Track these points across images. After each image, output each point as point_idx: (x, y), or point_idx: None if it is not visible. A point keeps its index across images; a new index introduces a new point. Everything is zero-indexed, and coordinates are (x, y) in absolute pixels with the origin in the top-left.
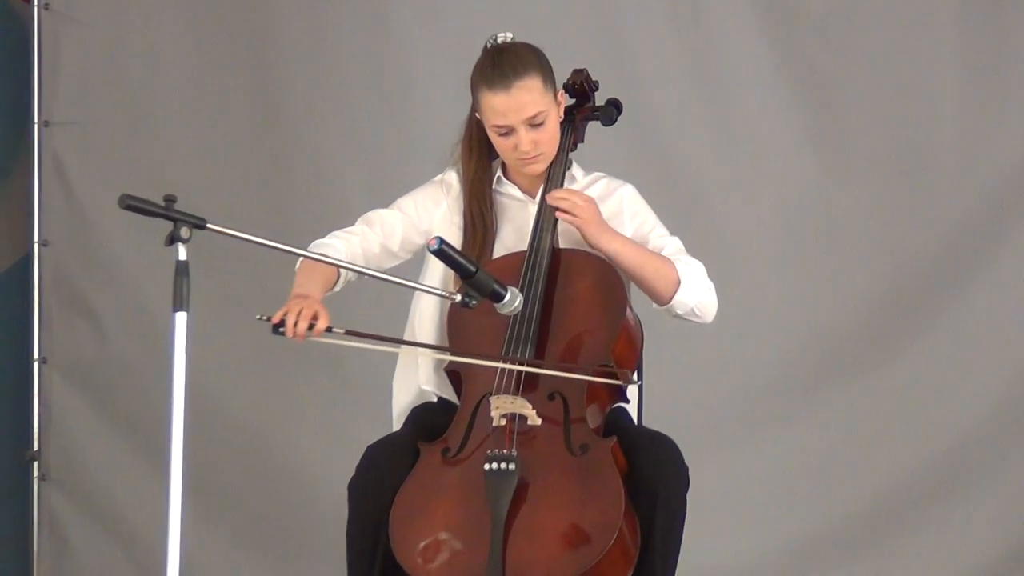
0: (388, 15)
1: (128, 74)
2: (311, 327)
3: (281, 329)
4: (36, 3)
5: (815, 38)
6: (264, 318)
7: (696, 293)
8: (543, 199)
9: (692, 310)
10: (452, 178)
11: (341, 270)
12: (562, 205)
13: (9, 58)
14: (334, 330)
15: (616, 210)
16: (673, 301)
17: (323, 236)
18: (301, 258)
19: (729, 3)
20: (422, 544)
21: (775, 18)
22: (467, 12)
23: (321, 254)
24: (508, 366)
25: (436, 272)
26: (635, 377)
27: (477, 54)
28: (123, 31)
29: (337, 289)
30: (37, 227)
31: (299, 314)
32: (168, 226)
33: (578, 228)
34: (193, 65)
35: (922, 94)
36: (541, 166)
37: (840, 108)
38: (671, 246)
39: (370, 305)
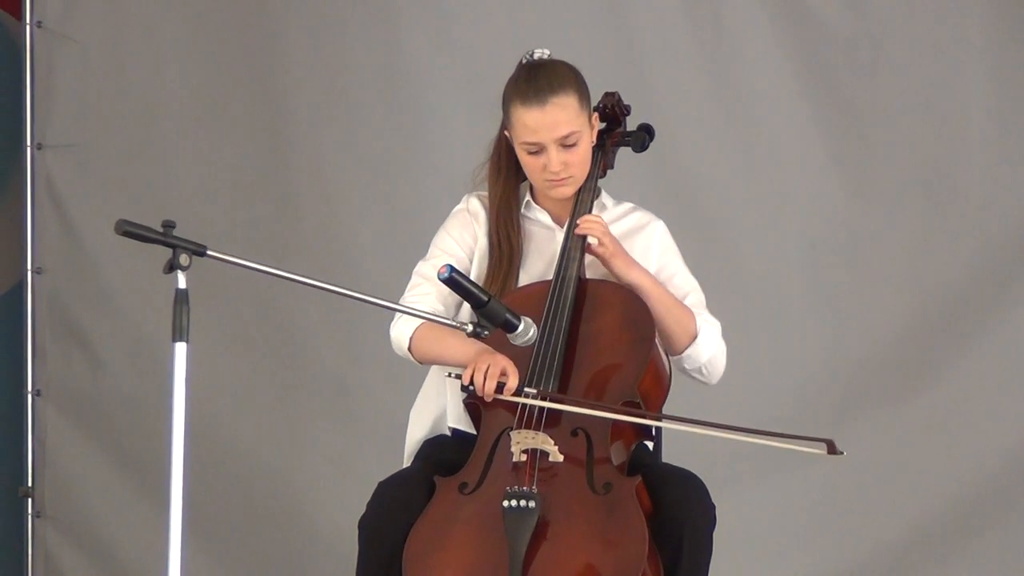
0: (397, 32)
1: (125, 95)
2: (500, 387)
3: (470, 388)
4: (29, 21)
5: (841, 60)
6: (454, 375)
7: (710, 350)
8: (571, 227)
9: (702, 368)
10: (476, 206)
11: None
12: (592, 231)
13: (1, 79)
14: (527, 390)
15: (647, 245)
16: (686, 353)
17: (331, 256)
18: (408, 334)
19: (752, 25)
20: None
21: (799, 39)
22: (477, 28)
23: (432, 316)
24: (584, 410)
25: (465, 305)
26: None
27: (490, 80)
28: (120, 50)
29: None
30: (30, 254)
31: (485, 372)
32: (167, 253)
33: (604, 259)
34: (193, 85)
35: (950, 117)
36: (569, 190)
37: (866, 131)
38: (693, 297)
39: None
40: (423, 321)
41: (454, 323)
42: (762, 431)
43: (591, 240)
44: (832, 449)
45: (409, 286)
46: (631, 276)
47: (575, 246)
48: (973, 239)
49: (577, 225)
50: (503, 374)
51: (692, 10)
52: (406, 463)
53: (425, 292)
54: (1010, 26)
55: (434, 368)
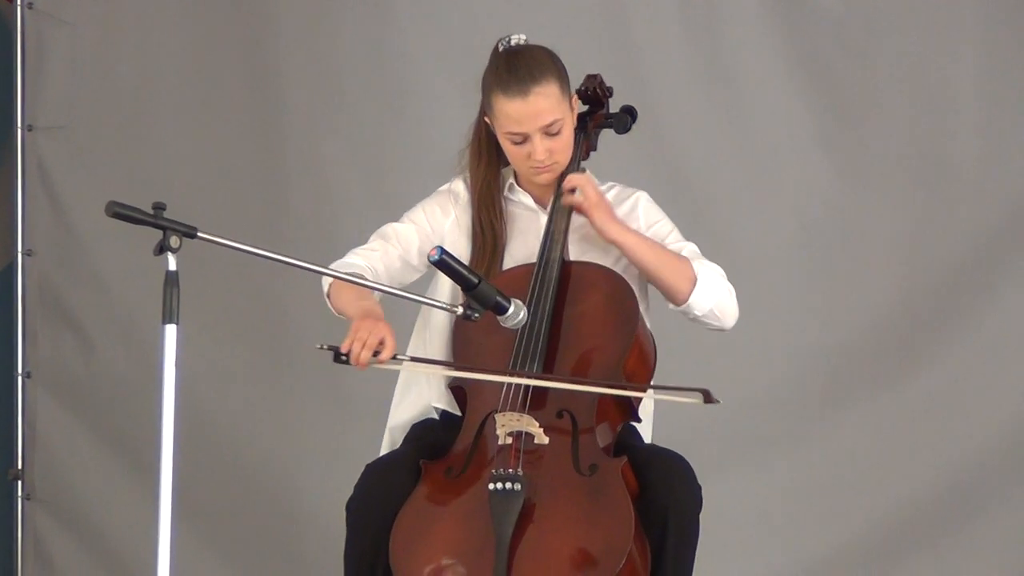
0: (389, 16)
1: (116, 76)
2: (376, 354)
3: (344, 358)
4: (19, 2)
5: (832, 40)
6: (326, 347)
7: (714, 294)
8: (554, 210)
9: (712, 311)
10: (459, 187)
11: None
12: (577, 182)
13: None
14: (398, 356)
15: (630, 215)
16: (690, 300)
17: (322, 239)
18: (330, 280)
19: (743, 5)
20: (424, 567)
21: (790, 20)
22: (470, 16)
23: (353, 274)
24: (546, 383)
25: (445, 285)
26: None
27: (480, 60)
28: (112, 32)
29: None
30: (21, 236)
31: (364, 342)
32: (157, 235)
33: (586, 210)
34: (186, 67)
35: (942, 100)
36: (554, 175)
37: (857, 113)
38: (688, 249)
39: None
40: (360, 275)
41: (445, 305)
42: (639, 385)
43: (576, 196)
44: (708, 398)
45: (368, 241)
46: (613, 231)
47: (559, 228)
48: (964, 222)
49: (565, 183)
50: (380, 343)
51: None
52: (384, 447)
53: (373, 249)
54: (1003, 8)
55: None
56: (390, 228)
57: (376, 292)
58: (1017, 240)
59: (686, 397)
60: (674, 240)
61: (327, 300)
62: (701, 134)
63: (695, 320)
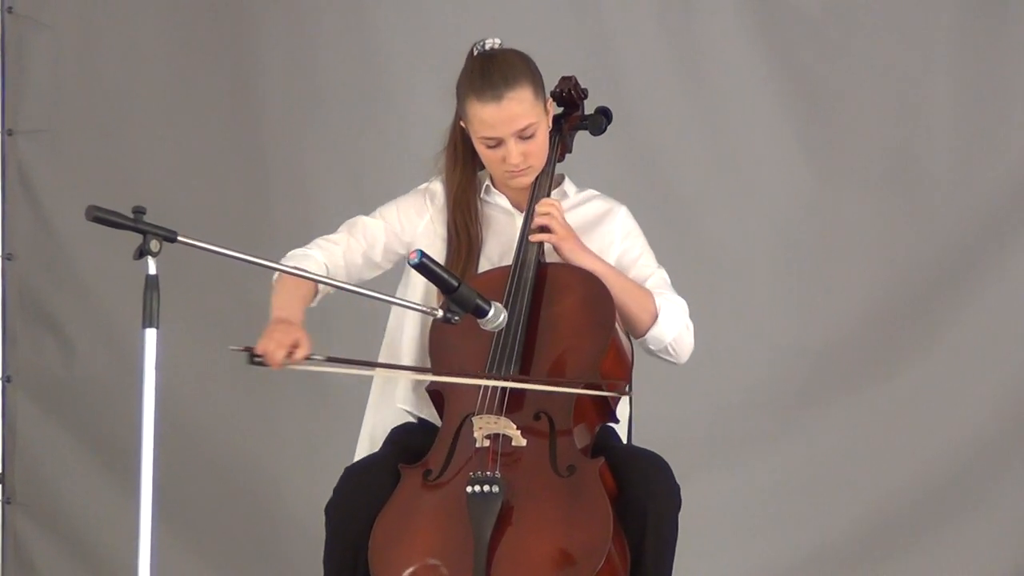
0: (367, 19)
1: (97, 81)
2: (290, 355)
3: (258, 359)
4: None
5: (809, 44)
6: (240, 349)
7: (673, 330)
8: (529, 212)
9: (667, 347)
10: (437, 188)
11: (317, 287)
12: (543, 221)
13: None
14: (314, 357)
15: (610, 231)
16: (648, 334)
17: (303, 244)
18: (278, 273)
19: (721, 8)
20: (403, 570)
21: (768, 22)
22: (449, 17)
23: (300, 268)
24: (492, 382)
25: (418, 287)
26: (627, 389)
27: (459, 60)
28: (92, 36)
29: (314, 304)
30: (1, 240)
31: (278, 342)
32: (138, 239)
33: (554, 243)
34: (167, 71)
35: (918, 104)
36: (529, 179)
37: (834, 117)
38: (656, 277)
39: (347, 318)
40: (306, 268)
41: (425, 308)
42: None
43: (539, 224)
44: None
45: (337, 231)
46: (581, 262)
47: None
48: (939, 225)
49: (534, 217)
50: (294, 344)
51: None
52: (359, 451)
53: (336, 242)
54: (978, 11)
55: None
56: (360, 221)
57: (340, 290)
58: (991, 242)
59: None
60: (644, 264)
61: (272, 286)
62: (678, 135)
63: (649, 352)
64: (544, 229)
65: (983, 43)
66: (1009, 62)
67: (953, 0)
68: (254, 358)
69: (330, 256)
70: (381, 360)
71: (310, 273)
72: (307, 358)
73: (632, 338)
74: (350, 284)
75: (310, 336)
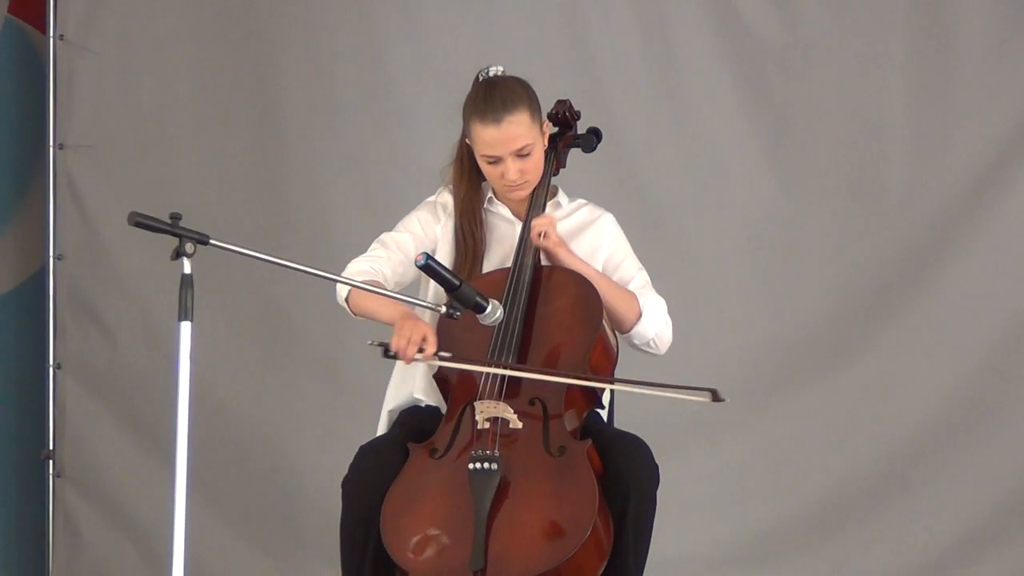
0: (382, 43)
1: (137, 100)
2: (421, 350)
3: (391, 354)
4: (52, 34)
5: (774, 70)
6: (377, 344)
7: (655, 326)
8: (527, 221)
9: (649, 342)
10: (446, 199)
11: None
12: (540, 227)
13: (26, 85)
14: (441, 354)
15: (597, 235)
16: (633, 331)
17: (321, 244)
18: (349, 288)
19: (696, 39)
20: (411, 538)
21: (737, 51)
22: (454, 43)
23: (369, 281)
24: (507, 372)
25: (432, 287)
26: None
27: (464, 82)
28: (133, 60)
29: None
30: (52, 242)
31: (409, 339)
32: (174, 242)
33: (547, 250)
34: (199, 92)
35: (873, 121)
36: (525, 192)
37: (797, 133)
38: (639, 279)
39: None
40: (364, 279)
41: (430, 305)
42: (658, 383)
43: (536, 235)
44: (716, 397)
45: (369, 249)
46: (574, 265)
47: (531, 237)
48: (893, 230)
49: (532, 228)
50: (423, 340)
51: (642, 25)
52: (379, 431)
53: (379, 255)
54: (926, 38)
55: None
56: (388, 237)
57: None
58: (939, 246)
59: (697, 396)
60: (629, 267)
61: (344, 304)
62: (658, 152)
63: (634, 346)
64: (543, 234)
65: (931, 67)
66: (954, 85)
67: (903, 28)
68: (387, 353)
69: (380, 268)
70: None
71: (384, 290)
72: (435, 354)
73: (618, 334)
74: (395, 292)
75: (434, 330)
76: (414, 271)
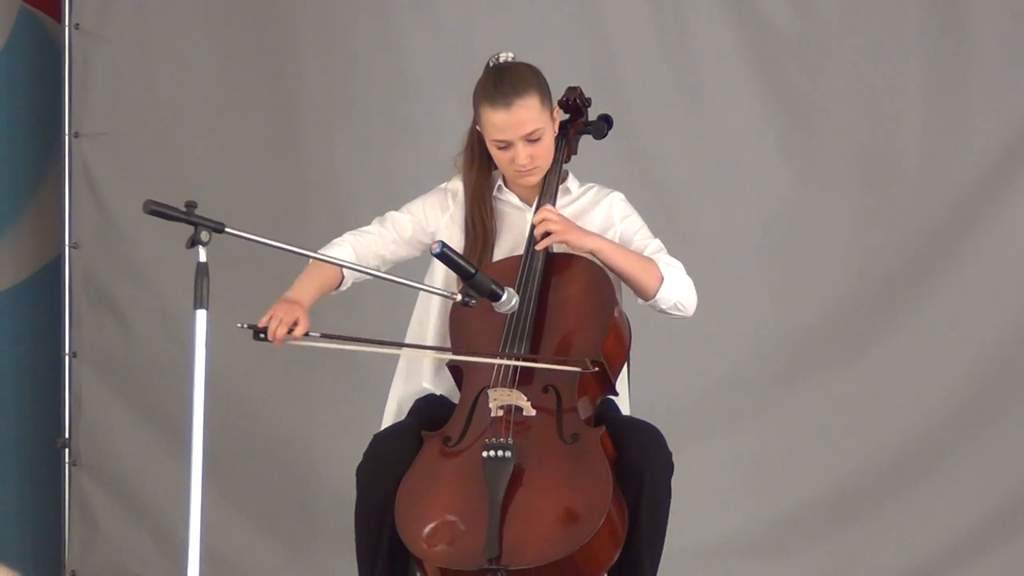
0: (395, 34)
1: (153, 89)
2: (290, 332)
3: (262, 335)
4: (67, 23)
5: (790, 59)
6: (245, 326)
7: (678, 289)
8: (538, 207)
9: (676, 304)
10: (457, 186)
11: (346, 271)
12: (542, 228)
13: (43, 74)
14: (311, 334)
15: (607, 213)
16: (658, 296)
17: (337, 234)
18: (311, 260)
19: (712, 27)
20: (425, 526)
21: (753, 41)
22: (471, 32)
23: (332, 256)
24: (501, 361)
25: (439, 274)
26: (590, 364)
27: (477, 73)
28: (148, 50)
29: (344, 288)
30: (68, 231)
31: (280, 320)
32: (189, 230)
33: (560, 238)
34: (214, 81)
35: (888, 111)
36: (536, 177)
37: (812, 123)
38: (652, 246)
39: (375, 304)
40: (338, 256)
41: (445, 293)
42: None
43: (541, 232)
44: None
45: (371, 224)
46: (588, 244)
47: None
48: (908, 220)
49: (536, 228)
50: (295, 323)
51: (659, 14)
52: (385, 421)
53: (369, 232)
54: (941, 29)
55: (409, 338)
56: (390, 215)
57: (376, 277)
58: (953, 236)
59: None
60: (643, 237)
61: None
62: (673, 142)
63: (661, 312)
64: (547, 233)
65: (946, 58)
66: (970, 75)
67: (918, 18)
68: (258, 334)
69: (360, 244)
70: (409, 339)
71: (340, 260)
72: (305, 335)
73: (644, 302)
74: (380, 271)
75: (308, 317)
76: (407, 251)
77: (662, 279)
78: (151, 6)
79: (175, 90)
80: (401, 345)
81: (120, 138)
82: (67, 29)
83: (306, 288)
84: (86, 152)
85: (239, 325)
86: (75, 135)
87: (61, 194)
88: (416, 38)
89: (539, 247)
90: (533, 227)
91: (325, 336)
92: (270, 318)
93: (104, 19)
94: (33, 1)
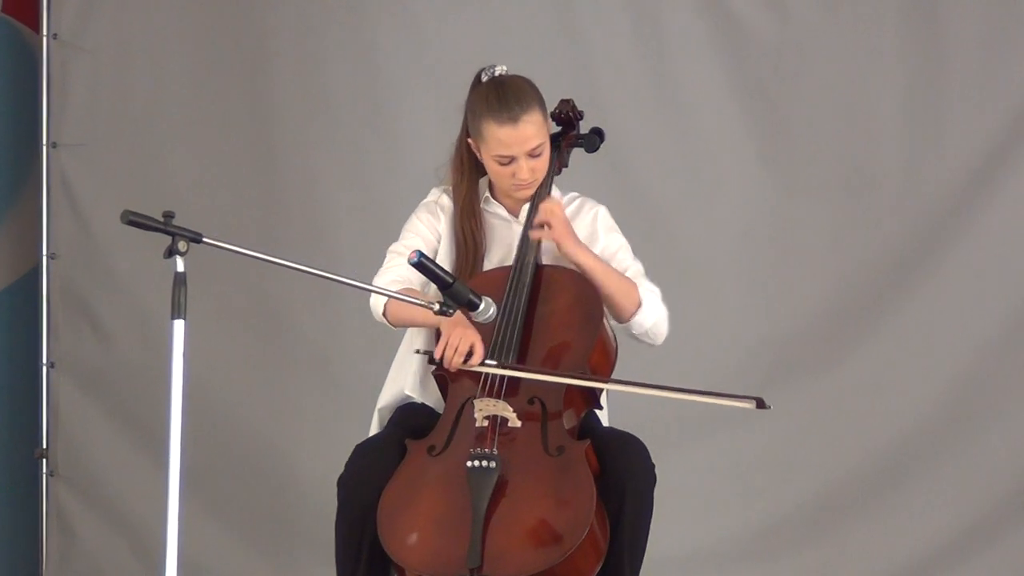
0: (376, 47)
1: (131, 99)
2: (465, 361)
3: (437, 362)
4: (45, 33)
5: (768, 68)
6: (423, 352)
7: (653, 315)
8: (528, 219)
9: (648, 331)
10: (445, 200)
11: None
12: (546, 218)
13: (20, 84)
14: (487, 363)
15: (590, 227)
16: (633, 320)
17: (313, 241)
18: (384, 301)
19: (691, 36)
20: (408, 534)
21: (732, 49)
22: (447, 41)
23: (407, 290)
24: (553, 379)
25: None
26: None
27: (457, 80)
28: (126, 60)
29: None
30: (46, 241)
31: (456, 349)
32: (167, 240)
33: (555, 239)
34: (192, 91)
35: (866, 119)
36: (532, 191)
37: (791, 132)
38: (633, 269)
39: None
40: (399, 289)
41: (422, 302)
42: (702, 391)
43: (542, 220)
44: (761, 404)
45: (386, 263)
46: (578, 256)
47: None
48: (887, 228)
49: (537, 214)
50: (471, 349)
51: (637, 24)
52: (372, 429)
53: (398, 264)
54: (919, 38)
55: (402, 346)
56: (400, 246)
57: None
58: (932, 243)
59: (741, 403)
60: (623, 256)
61: (383, 319)
62: (653, 151)
63: (632, 336)
64: (546, 225)
65: (924, 64)
66: (948, 82)
67: (896, 26)
68: (432, 360)
69: (403, 274)
70: (402, 347)
71: (420, 300)
72: (481, 363)
73: (617, 323)
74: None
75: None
76: (419, 277)
77: (640, 304)
78: (129, 17)
79: (153, 100)
80: (597, 382)
81: (98, 148)
82: (45, 39)
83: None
84: (64, 162)
85: (417, 351)
86: (53, 145)
87: (39, 204)
88: (393, 48)
89: (532, 236)
90: (524, 236)
91: (502, 366)
92: (446, 347)
93: (82, 29)
94: (11, 11)
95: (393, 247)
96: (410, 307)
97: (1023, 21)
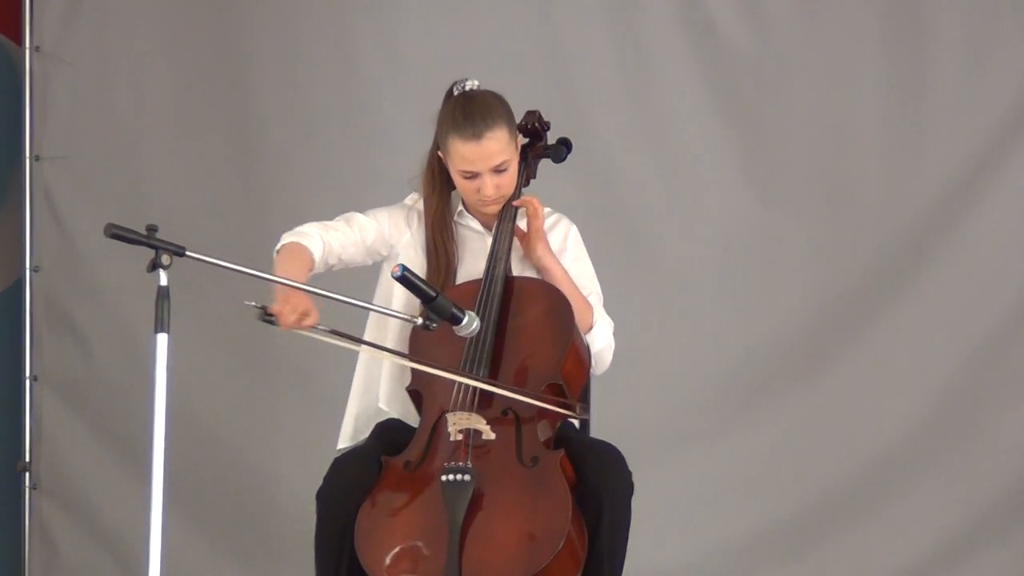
0: (356, 59)
1: (114, 111)
2: (299, 321)
3: (269, 317)
4: (28, 46)
5: (748, 80)
6: (256, 305)
7: (601, 342)
8: (498, 233)
9: (593, 356)
10: (419, 206)
11: (315, 259)
12: (528, 201)
13: (2, 97)
14: (319, 327)
15: (562, 243)
16: None
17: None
18: (284, 242)
19: (671, 48)
20: (386, 550)
21: (712, 62)
22: (429, 52)
23: (297, 243)
24: (473, 383)
25: (400, 298)
26: (584, 411)
27: (433, 93)
28: (109, 72)
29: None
30: (29, 254)
31: (293, 307)
32: (150, 253)
33: (529, 237)
34: (175, 104)
35: (847, 133)
36: (499, 206)
37: (772, 145)
38: (592, 297)
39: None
40: (312, 247)
41: (406, 317)
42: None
43: (521, 221)
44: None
45: (334, 219)
46: (547, 259)
47: (503, 248)
48: (867, 242)
49: (513, 210)
50: (306, 312)
51: (617, 38)
52: (342, 438)
53: (335, 228)
54: (900, 51)
55: (363, 357)
56: (356, 216)
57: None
58: (913, 256)
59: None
60: (587, 282)
61: (274, 256)
62: (633, 163)
63: None
64: (527, 212)
65: (904, 77)
66: (929, 96)
67: (876, 38)
68: (267, 316)
69: (329, 240)
70: (363, 356)
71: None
72: (313, 327)
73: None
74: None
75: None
76: (362, 258)
77: (591, 327)
78: (111, 29)
79: (135, 113)
80: (405, 356)
81: (81, 161)
82: (27, 52)
83: (300, 273)
84: (47, 175)
85: (247, 303)
86: (36, 158)
87: (22, 217)
88: (375, 59)
89: (504, 230)
90: (494, 249)
91: (334, 333)
92: (282, 303)
93: (64, 42)
94: None
95: (352, 213)
96: (284, 260)
97: (1003, 32)
